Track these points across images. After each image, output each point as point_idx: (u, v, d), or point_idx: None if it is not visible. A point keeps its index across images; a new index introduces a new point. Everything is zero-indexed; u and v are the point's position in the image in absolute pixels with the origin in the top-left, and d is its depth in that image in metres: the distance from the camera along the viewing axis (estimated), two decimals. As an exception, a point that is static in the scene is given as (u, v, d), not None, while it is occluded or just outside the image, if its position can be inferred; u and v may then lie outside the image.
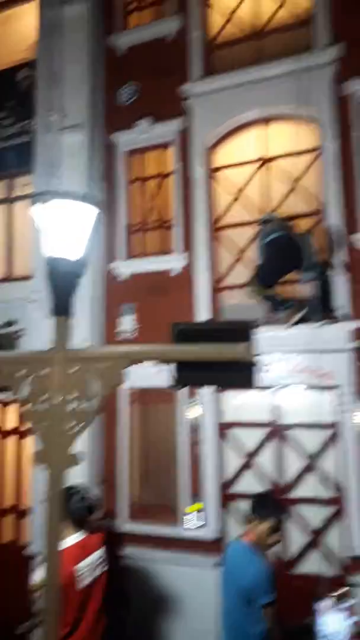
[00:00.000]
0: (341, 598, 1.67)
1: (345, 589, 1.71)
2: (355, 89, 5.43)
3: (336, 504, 5.04)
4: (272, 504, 3.53)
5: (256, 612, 3.15)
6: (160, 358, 2.84)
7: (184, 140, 6.15)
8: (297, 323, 5.13)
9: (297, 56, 5.60)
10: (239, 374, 2.65)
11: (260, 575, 3.15)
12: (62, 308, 2.64)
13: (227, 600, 3.25)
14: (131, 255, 6.37)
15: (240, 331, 2.69)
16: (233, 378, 2.71)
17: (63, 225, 2.61)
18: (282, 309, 5.11)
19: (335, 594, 1.68)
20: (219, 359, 2.58)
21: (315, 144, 5.62)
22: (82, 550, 3.39)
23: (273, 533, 3.33)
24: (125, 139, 6.50)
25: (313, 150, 5.64)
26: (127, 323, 6.12)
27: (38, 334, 5.40)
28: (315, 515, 5.10)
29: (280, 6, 6.02)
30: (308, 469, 5.22)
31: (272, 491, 4.95)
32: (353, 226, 5.28)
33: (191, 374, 2.66)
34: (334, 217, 5.34)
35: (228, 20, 6.29)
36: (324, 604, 1.66)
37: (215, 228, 6.03)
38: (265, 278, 4.98)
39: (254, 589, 3.15)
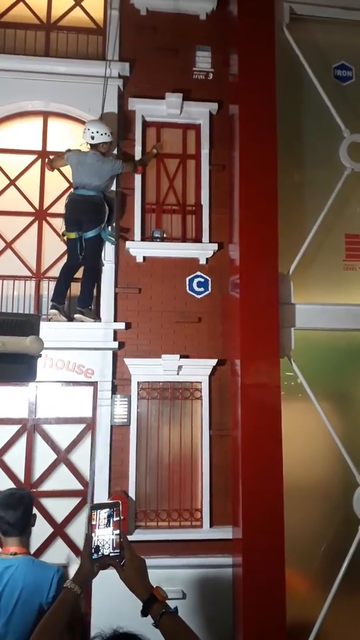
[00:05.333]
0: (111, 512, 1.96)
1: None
2: (137, 107, 5.81)
3: (82, 495, 5.28)
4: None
5: None
6: None
7: None
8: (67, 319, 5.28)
9: (89, 62, 5.75)
10: (19, 367, 2.65)
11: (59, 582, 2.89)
12: None
13: (24, 619, 2.92)
14: None
15: (24, 324, 2.68)
16: (13, 371, 2.68)
17: None
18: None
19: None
20: (1, 351, 2.52)
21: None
22: None
23: None
24: None
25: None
26: None
27: None
28: (60, 508, 5.26)
29: (74, 7, 6.08)
30: (58, 463, 5.33)
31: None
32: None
33: None
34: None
35: (17, 1, 6.06)
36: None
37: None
38: (66, 226, 5.35)
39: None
